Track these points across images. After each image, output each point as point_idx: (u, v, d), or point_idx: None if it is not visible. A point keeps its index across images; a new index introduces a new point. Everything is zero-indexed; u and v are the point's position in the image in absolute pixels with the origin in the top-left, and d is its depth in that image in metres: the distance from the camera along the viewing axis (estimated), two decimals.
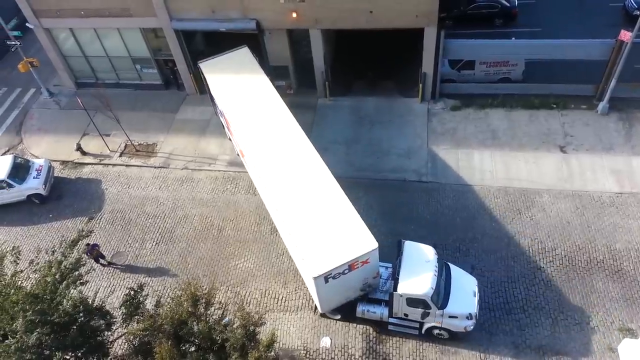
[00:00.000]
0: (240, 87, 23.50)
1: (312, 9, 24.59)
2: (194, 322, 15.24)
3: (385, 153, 25.20)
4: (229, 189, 24.90)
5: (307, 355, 19.01)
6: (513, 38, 27.50)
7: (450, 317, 17.70)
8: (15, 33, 29.11)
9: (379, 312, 18.69)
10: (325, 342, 19.25)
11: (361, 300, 18.86)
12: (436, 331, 18.40)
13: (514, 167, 23.80)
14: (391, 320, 18.63)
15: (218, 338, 15.13)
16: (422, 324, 18.28)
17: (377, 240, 16.76)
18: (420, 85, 26.64)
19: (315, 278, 16.64)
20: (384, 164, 24.78)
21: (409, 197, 23.28)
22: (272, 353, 15.44)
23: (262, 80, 23.58)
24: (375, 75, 29.10)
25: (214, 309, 16.31)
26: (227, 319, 16.62)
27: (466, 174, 23.83)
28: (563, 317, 18.93)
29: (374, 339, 19.10)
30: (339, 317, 19.63)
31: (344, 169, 24.64)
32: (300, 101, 27.93)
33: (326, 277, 16.78)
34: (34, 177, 25.07)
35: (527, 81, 26.94)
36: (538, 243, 21.07)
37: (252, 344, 15.07)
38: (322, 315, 19.74)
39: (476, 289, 18.40)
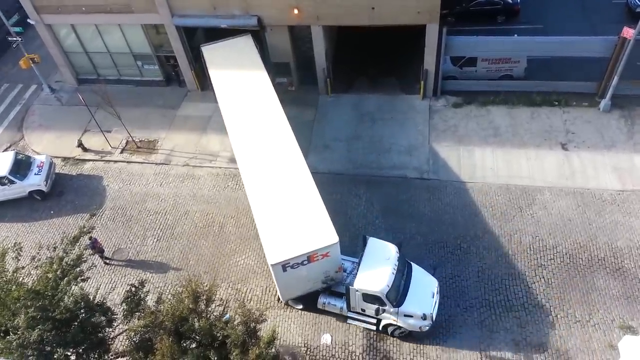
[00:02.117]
0: (235, 73, 24.13)
1: (313, 5, 24.52)
2: (195, 319, 15.25)
3: (387, 150, 25.17)
4: (230, 186, 24.89)
5: (308, 352, 19.04)
6: (515, 35, 27.36)
7: (405, 315, 17.88)
8: (17, 29, 29.07)
9: (339, 305, 18.99)
10: (326, 339, 19.28)
11: (323, 292, 19.17)
12: (397, 331, 18.59)
13: (516, 165, 23.76)
14: (350, 314, 18.93)
15: (219, 335, 15.13)
16: (379, 320, 18.50)
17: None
18: (422, 82, 26.57)
19: (272, 265, 17.15)
20: (385, 161, 24.75)
21: (410, 194, 23.27)
22: (273, 350, 15.44)
23: (256, 69, 24.17)
24: (376, 72, 29.03)
25: (215, 306, 16.31)
26: (227, 315, 16.63)
27: (468, 171, 23.80)
28: (564, 315, 18.94)
29: (375, 336, 19.11)
30: (300, 307, 19.91)
31: (345, 166, 24.71)
32: (301, 98, 27.97)
33: (284, 266, 17.21)
34: (35, 174, 25.09)
35: (529, 78, 26.86)
36: (539, 241, 21.06)
37: (253, 340, 15.10)
38: (286, 304, 20.02)
39: (435, 291, 18.49)
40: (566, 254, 20.56)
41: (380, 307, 17.78)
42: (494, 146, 24.64)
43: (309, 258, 17.24)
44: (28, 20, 28.76)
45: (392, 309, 17.73)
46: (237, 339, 14.60)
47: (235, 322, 15.44)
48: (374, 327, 18.90)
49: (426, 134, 25.61)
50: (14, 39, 28.62)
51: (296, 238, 17.50)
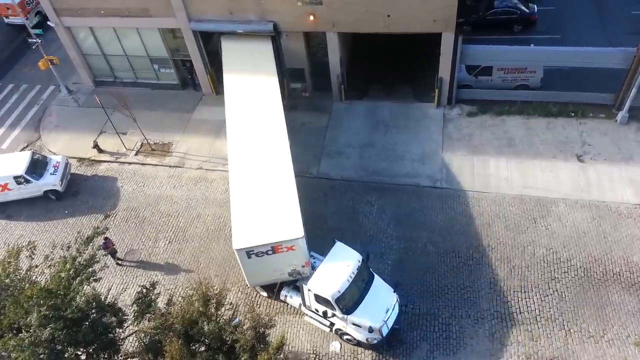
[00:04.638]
0: (246, 67, 25.01)
1: (329, 12, 24.59)
2: (205, 322, 15.27)
3: (400, 158, 25.07)
4: None
5: (317, 359, 18.95)
6: (532, 45, 27.20)
7: (353, 324, 17.94)
8: (37, 31, 29.54)
9: (299, 300, 19.16)
10: (335, 346, 19.18)
11: (287, 285, 19.49)
12: (345, 337, 18.74)
13: (530, 175, 23.51)
14: (306, 311, 19.15)
15: (228, 339, 15.14)
16: (332, 323, 18.60)
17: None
18: (437, 90, 26.47)
19: (236, 250, 17.71)
20: (398, 168, 24.65)
21: (423, 203, 23.13)
22: (282, 356, 15.42)
23: (267, 67, 24.77)
24: (391, 80, 28.98)
25: (225, 310, 16.35)
26: (237, 319, 16.68)
27: (481, 181, 23.61)
28: (577, 329, 18.65)
29: (384, 345, 18.93)
30: (265, 294, 20.27)
31: (358, 173, 24.67)
32: (315, 104, 28.04)
33: (248, 253, 17.76)
34: (51, 173, 25.39)
35: (545, 88, 26.61)
36: (553, 253, 20.79)
37: (261, 345, 15.09)
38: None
39: (392, 307, 18.30)
40: (580, 267, 20.27)
41: (330, 311, 17.93)
42: (508, 156, 24.42)
43: (274, 249, 17.73)
44: (48, 23, 29.22)
45: (340, 315, 17.83)
46: (246, 343, 14.61)
47: (245, 327, 15.44)
48: (327, 329, 19.13)
49: (440, 143, 25.46)
50: (34, 40, 29.08)
51: (264, 228, 18.15)
